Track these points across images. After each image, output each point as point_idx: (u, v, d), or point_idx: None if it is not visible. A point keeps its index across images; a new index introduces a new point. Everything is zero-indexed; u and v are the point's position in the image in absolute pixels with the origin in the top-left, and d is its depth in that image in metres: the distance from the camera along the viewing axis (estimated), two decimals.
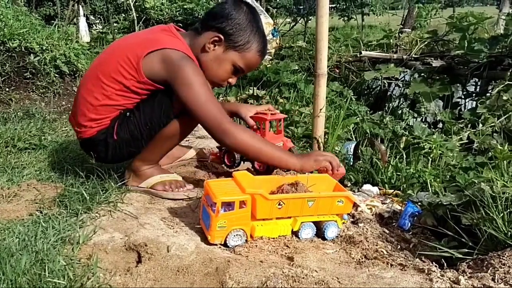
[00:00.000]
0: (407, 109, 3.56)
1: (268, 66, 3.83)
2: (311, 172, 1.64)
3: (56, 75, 3.63)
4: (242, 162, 1.91)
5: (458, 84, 3.45)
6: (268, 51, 4.83)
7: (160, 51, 1.57)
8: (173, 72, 1.55)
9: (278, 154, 1.60)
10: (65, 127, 2.73)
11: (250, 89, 3.56)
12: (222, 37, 1.64)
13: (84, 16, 6.12)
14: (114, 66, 1.60)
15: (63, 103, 3.50)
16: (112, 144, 1.66)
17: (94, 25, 7.41)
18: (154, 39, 1.62)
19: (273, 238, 1.40)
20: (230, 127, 1.55)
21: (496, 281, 1.14)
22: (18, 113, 2.96)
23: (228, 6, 1.67)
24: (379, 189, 2.01)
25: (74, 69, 3.83)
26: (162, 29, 1.70)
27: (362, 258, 1.34)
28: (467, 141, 2.64)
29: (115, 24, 7.23)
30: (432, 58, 3.48)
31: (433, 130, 2.82)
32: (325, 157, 1.64)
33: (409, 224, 1.64)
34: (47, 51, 3.66)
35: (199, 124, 2.14)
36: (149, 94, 1.63)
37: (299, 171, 1.61)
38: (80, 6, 6.13)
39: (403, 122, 2.91)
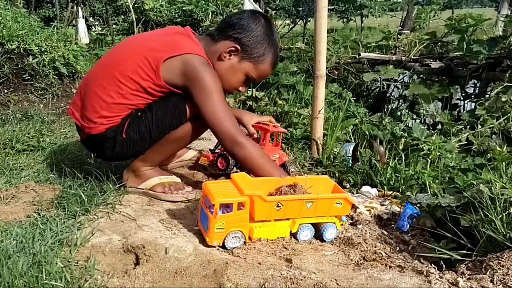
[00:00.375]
0: (406, 111, 3.55)
1: None
2: None
3: (55, 76, 3.63)
4: (234, 167, 1.93)
5: (457, 86, 3.45)
6: None
7: (180, 56, 1.59)
8: (193, 77, 1.57)
9: (275, 173, 1.59)
10: (63, 129, 2.73)
11: (249, 90, 3.56)
12: (239, 47, 1.67)
13: (83, 17, 6.11)
14: (131, 66, 1.61)
15: (62, 104, 3.49)
16: (120, 142, 1.66)
17: (93, 27, 7.40)
18: (174, 43, 1.63)
19: (272, 240, 1.39)
20: (243, 141, 1.59)
21: (494, 282, 1.14)
22: (17, 114, 2.96)
23: (246, 16, 1.70)
24: (378, 190, 2.00)
25: (73, 71, 3.83)
26: (178, 32, 1.71)
27: (360, 260, 1.34)
28: (466, 142, 2.63)
29: (114, 26, 7.24)
30: (431, 60, 3.48)
31: (432, 131, 2.82)
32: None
33: (408, 226, 1.64)
34: (46, 53, 3.66)
35: None
36: (163, 96, 1.63)
37: None
38: (79, 8, 6.12)
39: (402, 124, 2.90)
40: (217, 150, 2.04)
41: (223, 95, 1.62)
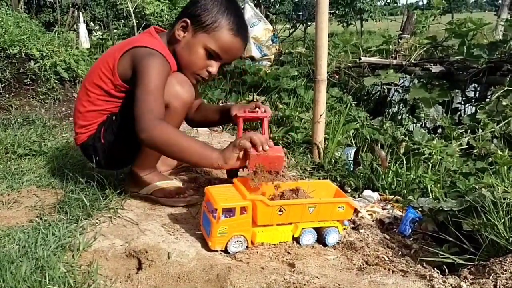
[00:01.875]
0: (407, 115, 3.56)
1: (267, 72, 3.84)
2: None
3: (56, 81, 3.64)
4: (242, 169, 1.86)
5: (457, 90, 3.46)
6: (267, 57, 4.86)
7: (131, 50, 1.58)
8: (136, 65, 1.54)
9: (199, 151, 1.46)
10: (65, 133, 2.73)
11: (250, 94, 3.57)
12: (188, 21, 1.60)
13: (84, 22, 6.14)
14: (96, 73, 1.64)
15: (63, 109, 3.50)
16: (100, 149, 1.68)
17: (94, 32, 7.42)
18: (130, 41, 1.65)
19: (274, 245, 1.39)
20: (152, 122, 1.42)
21: (498, 287, 1.14)
22: (18, 119, 2.96)
23: None
24: (380, 194, 2.00)
25: (74, 75, 3.83)
26: (143, 32, 1.72)
27: (363, 264, 1.34)
28: (467, 146, 2.64)
29: (115, 31, 7.25)
30: (432, 64, 3.49)
31: (433, 135, 2.82)
32: (244, 137, 1.45)
33: (410, 230, 1.63)
34: (47, 58, 3.66)
35: (199, 129, 2.15)
36: (127, 96, 1.62)
37: (223, 165, 1.45)
38: (80, 13, 6.15)
39: (403, 128, 2.91)
40: None
41: (159, 82, 1.49)
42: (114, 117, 1.66)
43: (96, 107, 1.66)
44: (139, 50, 1.57)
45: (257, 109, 1.76)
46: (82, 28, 5.99)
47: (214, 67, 1.66)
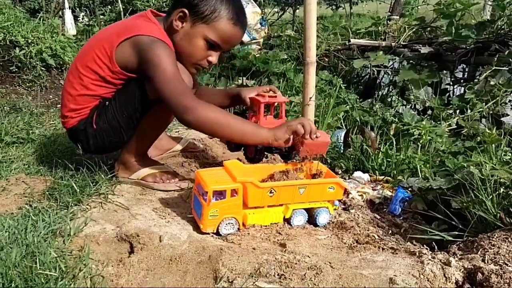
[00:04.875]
0: (397, 97, 3.57)
1: (257, 55, 3.81)
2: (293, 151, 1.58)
3: (43, 68, 3.58)
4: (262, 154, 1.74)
5: (446, 71, 3.47)
6: (256, 40, 4.82)
7: (132, 38, 1.54)
8: (143, 56, 1.52)
9: (249, 128, 1.52)
10: (52, 121, 2.70)
11: (239, 79, 3.55)
12: (186, 11, 1.57)
13: (69, 8, 6.02)
14: (90, 56, 1.59)
15: (50, 96, 3.45)
16: (92, 134, 1.65)
17: (80, 18, 7.29)
18: (129, 26, 1.60)
19: (265, 226, 1.40)
20: (192, 103, 1.45)
21: (486, 261, 1.16)
22: (5, 107, 2.92)
23: None
24: (370, 175, 2.02)
25: (61, 62, 3.77)
26: (139, 15, 1.68)
27: (353, 243, 1.35)
28: (455, 126, 2.66)
29: (101, 17, 7.14)
30: (420, 45, 3.49)
31: (422, 116, 2.84)
32: (297, 121, 1.52)
33: (400, 209, 1.65)
34: (32, 44, 3.60)
35: None
36: (124, 83, 1.61)
37: (273, 142, 1.51)
38: None
39: (393, 109, 2.92)
40: None
41: (175, 67, 1.50)
42: (107, 102, 1.63)
43: (89, 91, 1.62)
44: (141, 39, 1.53)
45: (274, 94, 1.76)
46: (68, 15, 5.86)
47: (214, 56, 1.65)
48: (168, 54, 1.51)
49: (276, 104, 1.80)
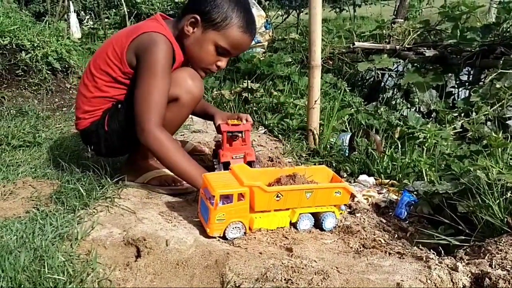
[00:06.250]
0: (401, 100, 3.57)
1: (261, 59, 3.82)
2: None
3: (48, 72, 3.60)
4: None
5: (451, 74, 3.47)
6: (261, 43, 4.83)
7: (139, 36, 1.56)
8: (142, 53, 1.54)
9: (188, 171, 1.55)
10: (58, 124, 2.71)
11: (244, 82, 3.55)
12: (198, 17, 1.58)
13: (74, 12, 6.06)
14: (103, 58, 1.63)
15: (56, 100, 3.47)
16: (103, 136, 1.67)
17: (85, 21, 7.33)
18: (138, 27, 1.63)
19: (272, 230, 1.40)
20: (151, 128, 1.51)
21: (493, 266, 1.15)
22: (11, 111, 2.94)
23: None
24: (375, 179, 2.02)
25: (66, 66, 3.79)
26: (150, 19, 1.70)
27: (360, 248, 1.35)
28: (461, 130, 2.66)
29: (106, 20, 7.17)
30: (425, 48, 3.49)
31: (427, 119, 2.84)
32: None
33: (406, 213, 1.65)
34: (38, 48, 3.62)
35: (194, 118, 2.14)
36: None
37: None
38: (71, 2, 6.06)
39: (398, 113, 2.92)
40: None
41: (167, 79, 1.53)
42: (119, 105, 1.65)
43: (102, 93, 1.65)
44: (145, 35, 1.56)
45: (241, 121, 1.79)
46: (73, 18, 5.90)
47: (223, 61, 1.68)
48: (164, 57, 1.53)
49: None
